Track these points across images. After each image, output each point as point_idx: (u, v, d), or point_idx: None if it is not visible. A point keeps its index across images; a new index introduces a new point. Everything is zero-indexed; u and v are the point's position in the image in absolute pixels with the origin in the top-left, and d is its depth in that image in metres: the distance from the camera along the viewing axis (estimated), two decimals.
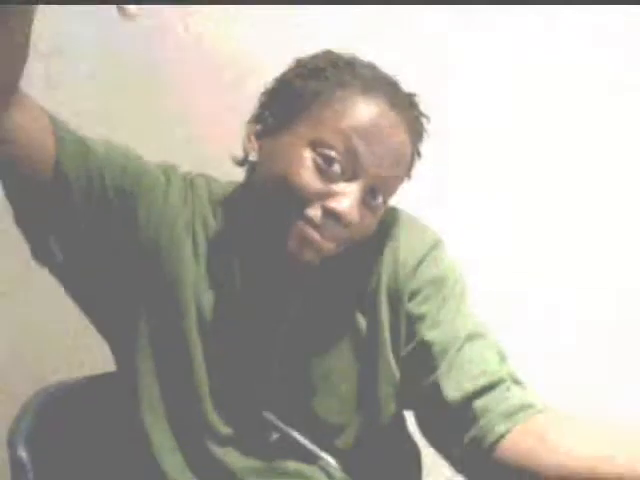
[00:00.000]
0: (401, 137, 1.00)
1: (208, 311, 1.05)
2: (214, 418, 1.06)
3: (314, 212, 0.97)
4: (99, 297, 1.07)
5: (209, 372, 1.05)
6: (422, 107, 1.06)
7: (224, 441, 1.06)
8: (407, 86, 1.05)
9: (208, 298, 1.06)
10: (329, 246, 0.99)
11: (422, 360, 1.05)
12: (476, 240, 1.56)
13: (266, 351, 1.06)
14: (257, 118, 1.06)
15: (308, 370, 1.06)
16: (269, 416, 1.06)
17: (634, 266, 1.63)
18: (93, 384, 1.21)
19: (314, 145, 0.98)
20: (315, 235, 0.97)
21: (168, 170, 1.09)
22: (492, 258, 1.57)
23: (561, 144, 1.60)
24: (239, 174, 1.09)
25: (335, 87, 1.00)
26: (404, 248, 1.07)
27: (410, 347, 1.06)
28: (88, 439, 1.16)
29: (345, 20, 1.51)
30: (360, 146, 0.97)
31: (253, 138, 1.05)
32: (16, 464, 1.11)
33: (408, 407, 1.11)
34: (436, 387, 1.03)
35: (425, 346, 1.05)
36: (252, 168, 1.05)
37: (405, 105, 1.02)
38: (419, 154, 1.06)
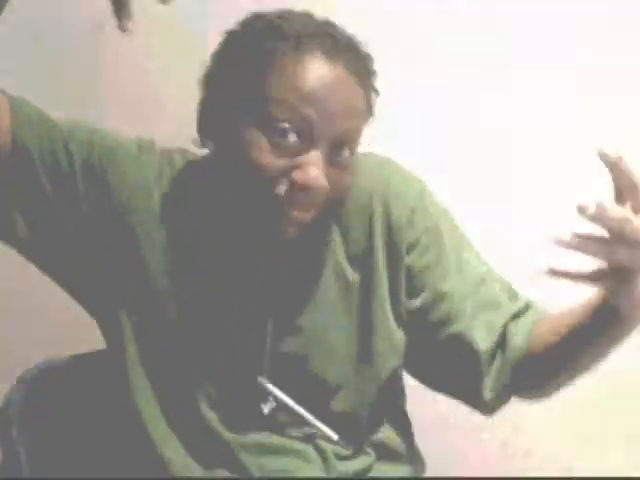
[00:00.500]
0: (348, 86, 0.97)
1: (190, 278, 1.03)
2: (208, 388, 1.04)
3: (283, 189, 0.95)
4: (72, 270, 1.05)
5: (199, 339, 1.04)
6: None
7: (216, 408, 1.04)
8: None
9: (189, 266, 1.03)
10: (308, 216, 0.96)
11: (440, 311, 1.06)
12: None
13: (257, 316, 1.04)
14: (204, 102, 1.02)
15: (301, 329, 1.05)
16: (264, 382, 1.05)
17: None
18: (84, 361, 1.19)
19: (263, 122, 0.95)
20: (291, 212, 0.95)
21: (143, 144, 1.07)
22: None
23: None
24: None
25: (266, 57, 0.96)
26: (394, 199, 1.06)
27: (420, 300, 1.06)
28: (79, 415, 1.15)
29: None
30: (308, 110, 0.94)
31: (205, 122, 1.02)
32: (7, 441, 1.10)
33: (412, 362, 1.10)
34: (461, 336, 1.05)
35: (443, 297, 1.06)
36: (213, 152, 1.02)
37: (343, 50, 0.97)
38: (376, 91, 1.02)
